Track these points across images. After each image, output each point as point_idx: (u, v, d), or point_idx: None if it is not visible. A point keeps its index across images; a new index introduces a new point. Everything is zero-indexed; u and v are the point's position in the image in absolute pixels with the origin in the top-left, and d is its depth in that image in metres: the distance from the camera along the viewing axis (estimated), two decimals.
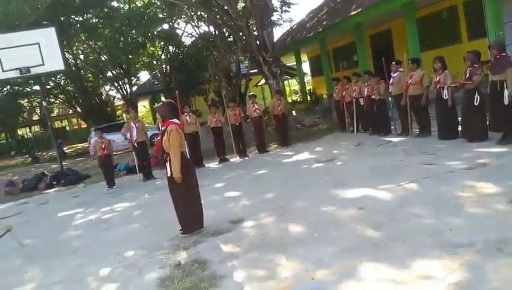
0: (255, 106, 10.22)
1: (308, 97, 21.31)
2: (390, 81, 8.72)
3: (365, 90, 9.61)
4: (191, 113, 9.72)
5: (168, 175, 4.73)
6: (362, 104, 9.81)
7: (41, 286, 4.07)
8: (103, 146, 9.09)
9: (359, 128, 10.37)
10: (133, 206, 7.00)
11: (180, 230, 4.81)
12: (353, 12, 13.37)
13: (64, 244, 5.36)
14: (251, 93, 11.81)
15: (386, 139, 8.73)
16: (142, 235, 5.19)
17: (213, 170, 9.39)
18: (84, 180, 10.93)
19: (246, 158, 9.98)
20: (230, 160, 10.00)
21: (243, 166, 9.14)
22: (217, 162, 9.99)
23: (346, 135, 10.52)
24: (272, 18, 17.63)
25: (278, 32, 52.13)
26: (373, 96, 9.22)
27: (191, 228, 4.78)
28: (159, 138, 4.93)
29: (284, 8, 18.50)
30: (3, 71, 9.40)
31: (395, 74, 8.57)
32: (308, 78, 27.40)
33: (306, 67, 25.97)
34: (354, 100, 10.12)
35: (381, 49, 15.20)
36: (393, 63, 8.63)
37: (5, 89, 20.89)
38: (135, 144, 9.13)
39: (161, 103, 5.12)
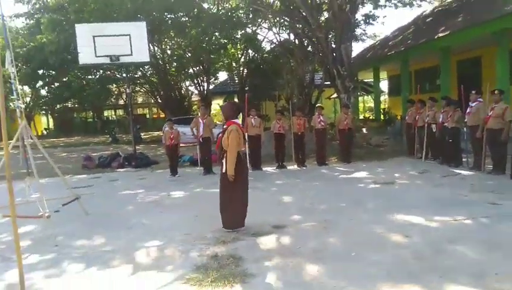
0: (321, 117, 10.20)
1: (382, 116, 20.62)
2: (468, 110, 8.19)
3: (440, 117, 9.14)
4: (256, 117, 9.97)
5: (223, 171, 4.98)
6: (434, 130, 9.33)
7: (94, 252, 4.52)
8: (172, 136, 9.72)
9: (428, 155, 9.86)
10: (189, 196, 7.40)
11: (223, 227, 5.01)
12: (440, 35, 12.74)
13: (122, 219, 5.85)
14: (318, 105, 11.78)
15: (455, 171, 8.22)
16: (190, 223, 5.49)
17: (269, 174, 9.54)
18: (152, 165, 11.72)
19: (304, 168, 9.99)
20: (288, 167, 10.08)
21: (298, 175, 9.17)
22: (275, 168, 10.12)
23: (412, 161, 10.06)
24: (355, 32, 17.45)
25: (359, 47, 51.09)
26: (446, 124, 8.73)
27: (232, 225, 4.97)
28: (220, 135, 5.19)
29: (367, 22, 18.16)
30: (96, 56, 10.47)
31: (474, 104, 8.05)
32: (385, 97, 26.46)
33: (384, 85, 25.16)
34: (426, 125, 9.66)
35: (469, 76, 14.26)
36: (473, 92, 8.10)
37: (98, 73, 23.07)
38: (200, 139, 9.62)
39: (226, 103, 5.38)
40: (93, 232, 5.23)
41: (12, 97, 11.52)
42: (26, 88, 26.23)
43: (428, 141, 9.73)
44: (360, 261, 3.85)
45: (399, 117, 17.52)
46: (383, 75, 23.04)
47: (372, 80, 21.69)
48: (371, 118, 24.16)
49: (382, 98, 24.65)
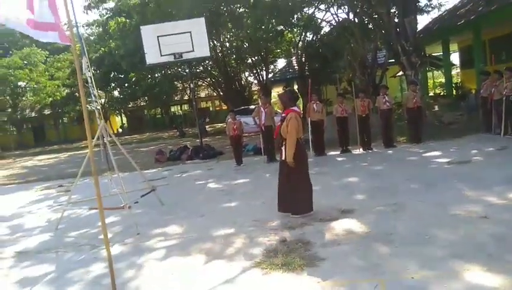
0: (386, 98, 9.79)
1: (454, 91, 19.23)
2: None
3: None
4: (318, 102, 9.85)
5: (282, 158, 5.05)
6: None
7: (172, 240, 4.85)
8: (235, 127, 9.96)
9: (508, 131, 9.06)
10: (254, 184, 7.58)
11: (292, 213, 5.07)
12: None
13: (195, 208, 6.19)
14: (382, 85, 11.31)
15: None
16: (257, 209, 5.66)
17: (333, 159, 9.42)
18: (218, 156, 12.14)
19: (370, 151, 9.70)
20: (353, 151, 9.86)
21: (364, 159, 8.94)
22: (339, 152, 9.96)
23: (490, 137, 9.31)
24: (418, 4, 16.36)
25: (424, 20, 47.70)
26: None
27: (300, 210, 5.02)
28: (279, 123, 5.24)
29: None
30: (161, 56, 11.02)
31: None
32: (457, 70, 24.57)
33: (455, 58, 23.36)
34: (504, 98, 8.86)
35: None
36: None
37: (163, 71, 24.24)
38: (263, 128, 9.76)
39: (283, 91, 5.39)
40: (170, 221, 5.60)
41: (89, 100, 12.60)
42: (101, 91, 28.44)
43: (506, 115, 8.92)
44: (434, 243, 3.72)
45: (473, 91, 16.23)
46: (453, 47, 21.37)
47: (442, 53, 20.26)
48: (442, 94, 22.65)
49: (453, 72, 22.93)
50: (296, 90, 23.17)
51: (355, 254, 3.73)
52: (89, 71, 5.92)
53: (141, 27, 11.53)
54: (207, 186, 7.86)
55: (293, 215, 5.03)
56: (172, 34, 10.81)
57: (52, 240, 5.39)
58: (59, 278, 4.06)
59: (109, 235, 5.08)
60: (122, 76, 24.50)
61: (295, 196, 5.02)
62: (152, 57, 11.18)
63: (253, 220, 5.13)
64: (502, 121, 9.09)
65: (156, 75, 24.82)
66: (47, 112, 33.33)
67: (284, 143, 4.99)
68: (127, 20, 18.69)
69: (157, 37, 10.89)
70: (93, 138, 5.76)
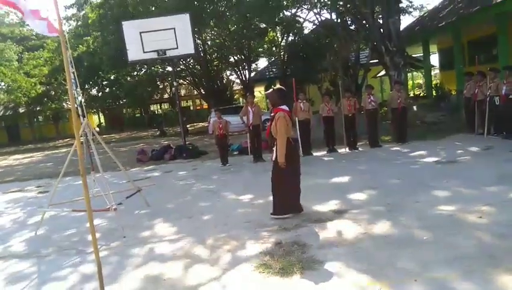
0: (371, 97, 9.82)
1: (434, 92, 19.57)
2: None
3: (503, 89, 8.49)
4: (304, 101, 9.78)
5: (273, 158, 4.93)
6: (497, 103, 8.69)
7: (160, 243, 4.65)
8: (221, 126, 9.79)
9: (490, 130, 9.23)
10: (242, 183, 7.42)
11: (271, 213, 4.99)
12: (498, 0, 11.74)
13: (182, 209, 5.99)
14: (368, 84, 11.35)
15: None
16: (248, 211, 5.51)
17: (320, 159, 9.37)
18: (201, 156, 11.92)
19: (356, 151, 9.71)
20: (339, 151, 9.84)
21: (351, 158, 8.93)
22: (326, 152, 9.92)
23: (473, 137, 9.46)
24: (401, 5, 16.57)
25: (406, 21, 48.64)
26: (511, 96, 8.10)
27: (283, 211, 4.94)
28: (269, 123, 5.10)
29: None
30: (143, 52, 10.70)
31: None
32: (435, 72, 25.06)
33: (435, 59, 23.82)
34: (487, 99, 9.01)
35: None
36: None
37: (145, 69, 23.75)
38: (250, 127, 9.62)
39: (271, 90, 5.23)
40: (157, 223, 5.40)
41: (68, 97, 12.12)
42: (79, 89, 27.61)
43: (490, 115, 9.09)
44: (433, 245, 3.66)
45: (453, 92, 16.55)
46: (433, 48, 21.79)
47: (421, 54, 20.60)
48: (421, 95, 23.07)
49: (432, 73, 23.35)
50: None
51: (353, 256, 3.64)
52: (72, 67, 5.63)
53: (123, 22, 11.17)
54: (193, 187, 7.66)
55: (272, 215, 4.97)
56: (155, 30, 10.51)
57: (33, 244, 5.10)
58: (43, 284, 3.81)
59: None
60: (101, 74, 23.79)
61: (274, 196, 4.99)
62: (134, 53, 10.85)
63: (245, 222, 4.99)
64: (485, 121, 9.25)
65: (135, 73, 24.27)
66: (21, 110, 32.20)
67: (274, 143, 4.87)
68: (108, 12, 18.14)
69: (140, 33, 10.57)
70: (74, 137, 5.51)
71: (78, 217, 5.77)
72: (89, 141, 5.49)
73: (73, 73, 5.48)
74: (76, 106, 5.79)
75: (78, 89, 5.82)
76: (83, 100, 5.99)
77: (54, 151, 20.45)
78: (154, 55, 10.96)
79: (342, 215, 4.79)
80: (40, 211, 5.92)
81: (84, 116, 5.40)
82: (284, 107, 4.95)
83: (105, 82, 26.15)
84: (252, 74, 25.56)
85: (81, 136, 5.43)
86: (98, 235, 5.03)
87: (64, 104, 30.37)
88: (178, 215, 5.67)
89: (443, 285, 2.93)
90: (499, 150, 7.57)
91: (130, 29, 10.75)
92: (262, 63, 29.53)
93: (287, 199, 4.95)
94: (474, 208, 4.46)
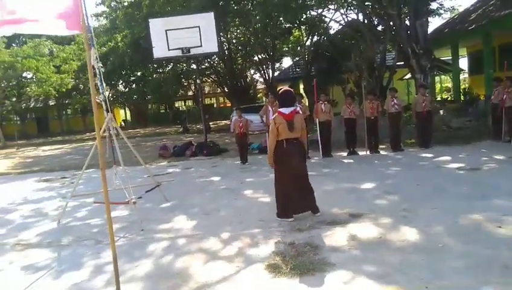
0: (395, 100, 9.66)
1: (462, 97, 19.04)
2: None
3: None
4: (326, 102, 9.73)
5: None
6: None
7: (176, 237, 4.76)
8: (241, 124, 9.86)
9: None
10: (259, 183, 7.46)
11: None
12: None
13: (200, 206, 6.09)
14: (391, 87, 11.17)
15: None
16: (263, 209, 5.55)
17: (340, 161, 9.30)
18: (222, 153, 12.04)
19: (377, 154, 9.58)
20: (360, 153, 9.73)
21: (371, 161, 8.82)
22: (346, 154, 9.83)
23: (499, 145, 9.17)
24: (431, 6, 16.20)
25: (435, 23, 47.45)
26: None
27: (279, 214, 5.03)
28: None
29: None
30: (168, 50, 10.90)
31: None
32: (464, 76, 24.36)
33: (464, 63, 23.16)
34: None
35: None
36: None
37: (170, 66, 24.12)
38: (269, 126, 9.63)
39: (279, 91, 5.34)
40: (174, 218, 5.51)
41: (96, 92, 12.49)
42: (106, 85, 28.32)
43: None
44: (447, 253, 3.60)
45: (482, 97, 16.06)
46: (462, 52, 21.19)
47: (450, 57, 20.06)
48: (449, 99, 22.47)
49: (461, 77, 22.72)
50: (302, 89, 23.04)
51: (365, 260, 3.62)
52: (98, 62, 5.81)
53: (149, 20, 11.42)
54: (212, 184, 7.76)
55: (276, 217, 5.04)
56: (180, 28, 10.69)
57: (55, 233, 5.31)
58: (62, 272, 3.98)
59: (114, 230, 5.00)
60: (128, 71, 24.34)
61: (276, 199, 5.12)
62: (160, 50, 11.07)
63: (260, 220, 5.03)
64: None
65: (160, 70, 24.65)
66: (51, 102, 33.28)
67: None
68: (136, 12, 18.58)
69: (166, 30, 10.78)
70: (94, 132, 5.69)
71: (99, 209, 5.94)
72: (111, 135, 5.65)
73: (99, 68, 5.65)
74: (100, 100, 6.01)
75: (104, 84, 5.98)
76: (108, 95, 6.18)
77: (80, 144, 21.08)
78: (178, 53, 11.14)
79: (357, 219, 4.77)
80: (63, 202, 6.14)
81: (108, 111, 5.53)
82: (283, 109, 4.91)
83: (133, 78, 26.68)
84: (276, 74, 25.55)
85: (104, 131, 5.62)
86: (117, 227, 5.23)
87: (96, 97, 31.11)
88: (195, 211, 5.77)
89: None
90: None
91: (157, 27, 10.98)
92: (287, 62, 29.48)
93: (281, 202, 5.01)
94: (494, 217, 4.35)
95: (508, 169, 6.78)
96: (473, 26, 15.21)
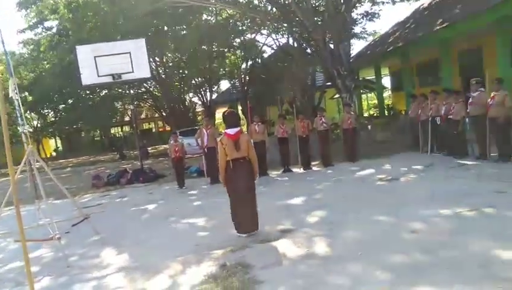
0: (323, 119, 10.21)
1: (386, 112, 20.54)
2: (469, 100, 8.17)
3: (442, 109, 9.12)
4: (260, 123, 10.02)
5: None
6: (439, 123, 9.31)
7: (105, 272, 4.60)
8: (177, 149, 9.82)
9: (434, 149, 9.82)
10: (197, 206, 7.46)
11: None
12: (438, 27, 12.69)
13: (131, 236, 5.93)
14: (320, 107, 11.80)
15: (461, 162, 8.18)
16: (199, 233, 5.56)
17: (275, 179, 9.57)
18: (159, 179, 11.82)
19: (310, 170, 10.00)
20: (294, 170, 10.10)
21: (304, 178, 9.19)
22: (281, 172, 10.14)
23: (418, 155, 10.01)
24: (353, 31, 17.46)
25: (360, 45, 51.01)
26: (450, 116, 8.71)
27: (237, 229, 5.19)
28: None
29: (366, 20, 18.19)
30: (98, 76, 10.61)
31: (475, 94, 8.02)
32: (389, 93, 26.30)
33: (387, 81, 25.07)
34: (429, 119, 9.63)
35: (471, 67, 14.15)
36: (474, 82, 8.08)
37: (103, 92, 23.33)
38: (205, 149, 9.71)
39: (224, 113, 5.48)
40: (104, 252, 5.31)
41: (18, 122, 11.76)
42: (34, 114, 26.68)
43: (432, 134, 9.70)
44: (368, 260, 3.86)
45: (403, 112, 17.45)
46: (385, 71, 22.97)
47: (374, 76, 21.65)
48: (375, 115, 24.10)
49: (386, 94, 24.54)
50: (240, 111, 23.48)
51: (294, 274, 3.77)
52: (16, 93, 5.56)
53: (76, 47, 11.06)
54: (146, 212, 7.59)
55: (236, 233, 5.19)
56: (111, 55, 10.49)
57: None
58: None
59: (37, 269, 4.74)
60: (56, 99, 23.19)
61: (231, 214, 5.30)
62: (89, 77, 10.73)
63: (194, 245, 5.03)
64: (428, 140, 9.84)
65: (91, 96, 23.79)
66: None
67: None
68: (63, 38, 17.90)
69: (95, 57, 10.51)
70: (19, 164, 5.39)
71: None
72: (33, 169, 5.37)
73: (18, 100, 5.41)
74: (21, 131, 5.72)
75: (23, 115, 5.72)
76: (35, 124, 5.89)
77: (5, 179, 19.49)
78: (109, 79, 10.88)
79: (287, 235, 4.94)
80: None
81: (28, 144, 5.28)
82: (229, 130, 5.13)
83: (63, 106, 25.45)
84: (214, 96, 25.77)
85: (25, 164, 5.34)
86: (40, 266, 4.93)
87: (18, 128, 29.12)
88: (126, 243, 5.61)
89: None
90: (439, 167, 8.06)
91: (84, 54, 10.66)
92: (225, 85, 29.89)
93: (235, 219, 5.21)
94: (408, 223, 4.75)
95: (424, 177, 7.43)
96: (392, 48, 16.62)
